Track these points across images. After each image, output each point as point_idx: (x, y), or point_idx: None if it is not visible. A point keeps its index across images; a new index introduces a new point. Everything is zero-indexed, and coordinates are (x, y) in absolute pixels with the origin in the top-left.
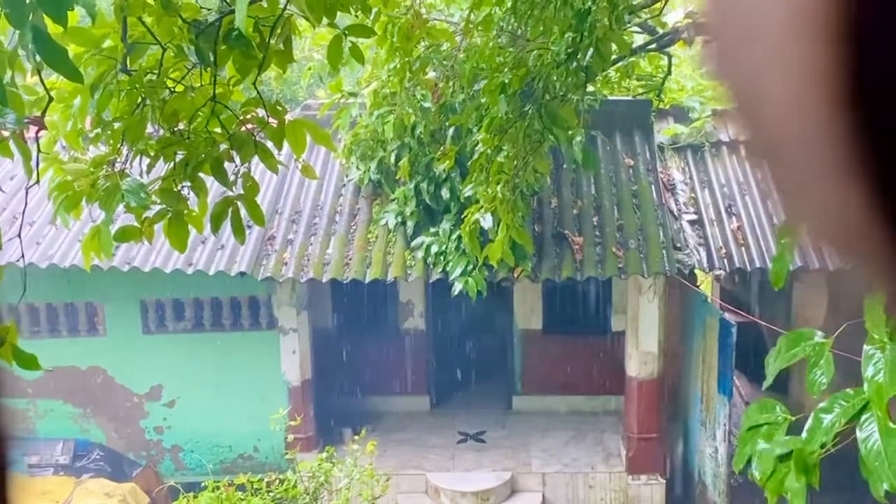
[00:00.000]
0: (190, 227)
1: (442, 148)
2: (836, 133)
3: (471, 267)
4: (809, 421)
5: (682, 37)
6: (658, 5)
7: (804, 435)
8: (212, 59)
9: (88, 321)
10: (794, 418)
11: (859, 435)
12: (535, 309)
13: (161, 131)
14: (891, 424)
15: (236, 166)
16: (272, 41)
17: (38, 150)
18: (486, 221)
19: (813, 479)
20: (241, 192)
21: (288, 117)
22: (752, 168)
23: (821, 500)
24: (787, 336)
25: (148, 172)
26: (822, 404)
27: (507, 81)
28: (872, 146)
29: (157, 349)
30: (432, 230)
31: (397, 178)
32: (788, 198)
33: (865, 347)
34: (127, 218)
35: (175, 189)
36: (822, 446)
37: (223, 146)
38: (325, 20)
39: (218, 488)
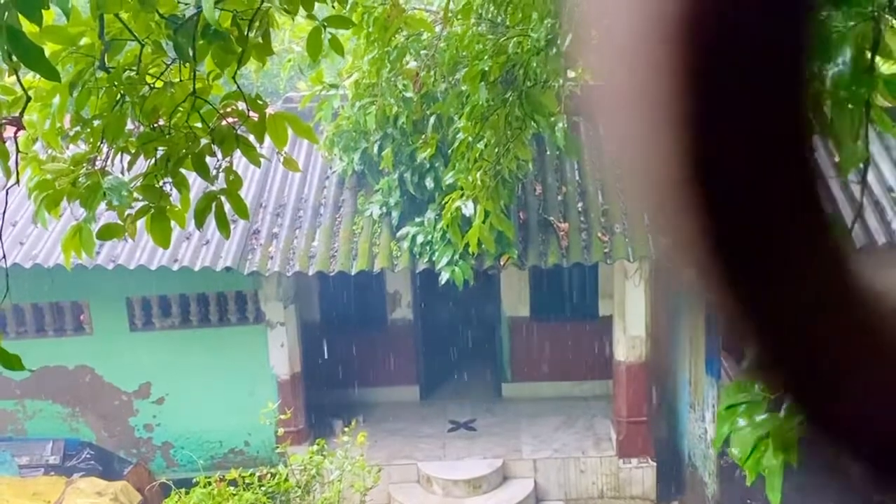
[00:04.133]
0: (173, 223)
1: (424, 137)
2: (672, 132)
3: (457, 256)
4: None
5: None
6: None
7: (783, 413)
8: (191, 53)
9: (75, 320)
10: (773, 396)
11: None
12: (523, 296)
13: (141, 128)
14: None
15: (218, 161)
16: (251, 34)
17: (18, 150)
18: (468, 209)
19: (792, 457)
20: (224, 186)
21: (269, 110)
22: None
23: (799, 479)
24: None
25: (129, 169)
26: None
27: (487, 69)
28: (702, 143)
29: (144, 346)
30: (417, 220)
31: (381, 168)
32: (632, 193)
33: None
34: (109, 215)
35: (157, 185)
36: (802, 423)
37: (204, 141)
38: (303, 11)
39: (209, 484)
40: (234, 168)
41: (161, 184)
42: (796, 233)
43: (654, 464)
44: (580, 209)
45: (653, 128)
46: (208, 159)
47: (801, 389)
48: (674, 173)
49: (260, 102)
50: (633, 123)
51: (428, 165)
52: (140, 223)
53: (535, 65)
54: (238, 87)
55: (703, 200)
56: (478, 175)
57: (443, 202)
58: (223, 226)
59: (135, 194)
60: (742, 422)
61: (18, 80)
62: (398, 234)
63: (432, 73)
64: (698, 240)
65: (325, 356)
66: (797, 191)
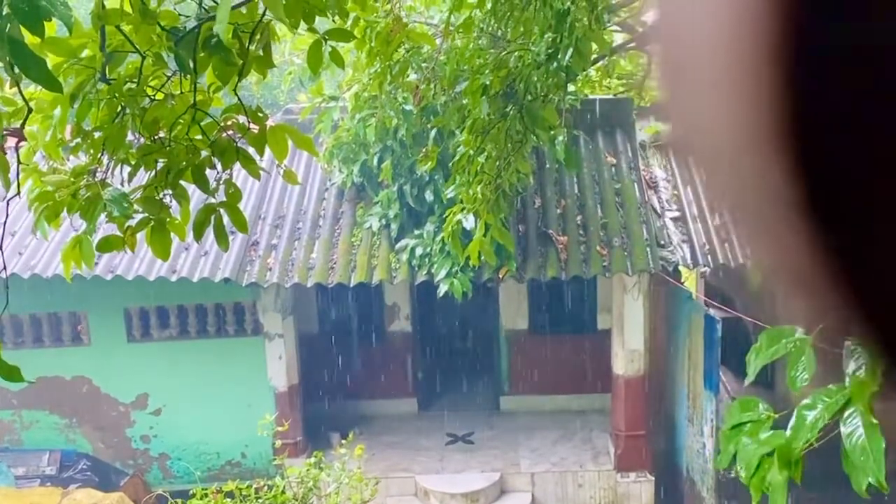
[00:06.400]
0: (173, 234)
1: (424, 150)
2: (770, 149)
3: (456, 268)
4: (793, 418)
5: None
6: (637, 4)
7: (788, 432)
8: (191, 66)
9: (72, 331)
10: (777, 415)
11: (843, 430)
12: (521, 309)
13: (141, 140)
14: (873, 419)
15: (218, 173)
16: (252, 47)
17: (18, 161)
18: (469, 222)
19: (796, 475)
20: (224, 198)
21: (269, 122)
22: (678, 165)
23: (803, 495)
24: (767, 333)
25: (129, 181)
26: (805, 400)
27: (488, 83)
28: (803, 161)
29: (142, 357)
30: (416, 232)
31: (380, 180)
32: (719, 199)
33: (846, 343)
34: (109, 227)
35: (157, 197)
36: (806, 442)
37: (204, 153)
38: (304, 25)
39: (206, 496)
40: (234, 180)
41: (161, 196)
42: None
43: (653, 478)
44: (579, 222)
45: (763, 143)
46: (208, 171)
47: None
48: (790, 189)
49: (261, 115)
50: (733, 139)
51: (427, 178)
52: (139, 234)
53: (535, 79)
54: (239, 99)
55: (826, 215)
56: (478, 188)
57: (444, 216)
58: (222, 238)
59: (135, 206)
60: (747, 440)
61: (20, 91)
62: (397, 246)
63: (433, 86)
64: (824, 255)
65: (323, 368)
66: None
